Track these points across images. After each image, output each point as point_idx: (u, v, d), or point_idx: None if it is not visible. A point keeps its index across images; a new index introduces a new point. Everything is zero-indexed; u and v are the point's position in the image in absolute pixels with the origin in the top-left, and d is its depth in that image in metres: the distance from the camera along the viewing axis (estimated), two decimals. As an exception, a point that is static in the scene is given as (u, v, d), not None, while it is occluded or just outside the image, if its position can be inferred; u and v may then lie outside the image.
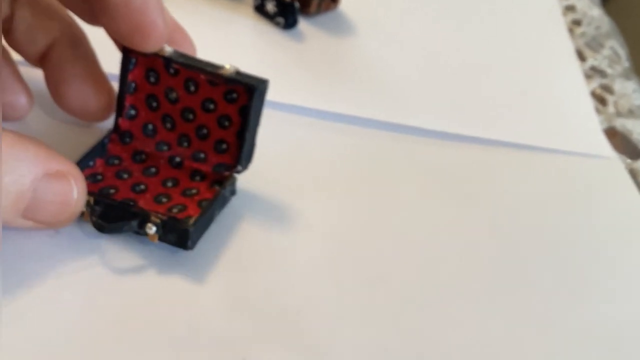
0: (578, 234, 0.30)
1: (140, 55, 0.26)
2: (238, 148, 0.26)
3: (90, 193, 0.24)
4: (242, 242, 0.26)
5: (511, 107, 0.37)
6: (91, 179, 0.26)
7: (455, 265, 0.28)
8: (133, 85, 0.27)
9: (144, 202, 0.25)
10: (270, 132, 0.29)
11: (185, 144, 0.27)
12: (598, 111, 0.39)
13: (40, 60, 0.28)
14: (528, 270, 0.28)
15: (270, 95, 0.26)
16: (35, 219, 0.23)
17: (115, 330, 0.22)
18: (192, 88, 0.26)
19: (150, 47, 0.25)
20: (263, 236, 0.27)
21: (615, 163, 0.35)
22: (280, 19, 0.39)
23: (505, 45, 0.43)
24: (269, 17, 0.39)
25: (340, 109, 0.34)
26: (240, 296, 0.24)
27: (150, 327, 0.23)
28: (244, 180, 0.28)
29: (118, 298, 0.23)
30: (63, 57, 0.27)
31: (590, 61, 0.44)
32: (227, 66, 0.26)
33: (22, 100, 0.28)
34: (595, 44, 0.46)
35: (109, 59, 0.28)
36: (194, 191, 0.26)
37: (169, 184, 0.27)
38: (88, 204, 0.24)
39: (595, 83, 0.42)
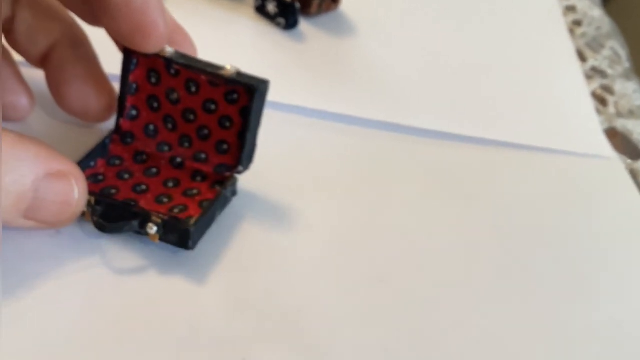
0: (578, 234, 0.30)
1: (141, 56, 0.26)
2: (239, 148, 0.26)
3: (91, 193, 0.24)
4: (243, 243, 0.26)
5: (512, 107, 0.38)
6: (92, 179, 0.26)
7: (456, 266, 0.28)
8: (134, 86, 0.27)
9: (145, 202, 0.25)
10: (271, 132, 0.29)
11: (187, 144, 0.27)
12: (598, 112, 0.39)
13: (42, 61, 0.28)
14: (528, 270, 0.28)
15: (271, 95, 0.26)
16: (36, 219, 0.23)
17: (116, 330, 0.23)
18: (193, 89, 0.26)
19: (151, 47, 0.25)
20: (264, 236, 0.27)
21: (616, 163, 0.35)
22: (281, 20, 0.39)
23: (505, 45, 0.43)
24: (270, 17, 0.39)
25: (341, 109, 0.34)
26: (240, 296, 0.24)
27: (150, 327, 0.23)
28: (245, 180, 0.28)
29: (119, 298, 0.23)
30: (64, 58, 0.28)
31: (591, 62, 0.44)
32: (228, 67, 0.26)
33: (23, 101, 0.28)
34: (595, 45, 0.46)
35: (110, 59, 0.28)
36: (195, 191, 0.26)
37: (170, 184, 0.27)
38: (89, 203, 0.24)
39: (596, 83, 0.42)
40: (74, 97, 0.28)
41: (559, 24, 0.46)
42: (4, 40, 0.28)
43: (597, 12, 0.50)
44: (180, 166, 0.27)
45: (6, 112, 0.28)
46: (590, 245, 0.30)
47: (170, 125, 0.27)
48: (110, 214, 0.24)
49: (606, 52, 0.45)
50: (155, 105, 0.27)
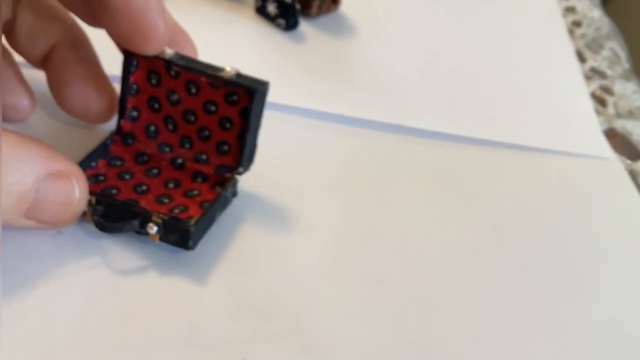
0: (578, 234, 0.31)
1: (141, 57, 0.26)
2: (239, 150, 0.27)
3: (92, 193, 0.24)
4: (243, 243, 0.26)
5: (511, 108, 0.38)
6: (93, 179, 0.26)
7: (456, 266, 0.28)
8: (135, 87, 0.27)
9: (145, 203, 0.25)
10: (272, 133, 0.29)
11: (187, 145, 0.27)
12: (598, 112, 0.39)
13: (43, 62, 0.28)
14: (528, 270, 0.28)
15: (271, 96, 0.26)
16: (37, 219, 0.23)
17: (116, 329, 0.23)
18: (193, 90, 0.26)
19: (150, 49, 0.25)
20: (264, 237, 0.27)
21: (615, 164, 0.35)
22: (281, 21, 0.39)
23: (505, 46, 0.43)
24: (270, 18, 0.39)
25: (341, 110, 0.34)
26: (241, 296, 0.24)
27: (151, 327, 0.23)
28: (246, 181, 0.28)
29: (119, 298, 0.23)
30: (65, 59, 0.28)
31: (590, 62, 0.44)
32: (228, 68, 0.26)
33: (24, 102, 0.28)
34: (595, 45, 0.46)
35: (111, 60, 0.28)
36: (195, 192, 0.26)
37: (171, 185, 0.27)
38: (90, 203, 0.24)
39: (595, 84, 0.42)
40: (75, 98, 0.28)
41: (559, 25, 0.46)
42: (4, 41, 0.28)
43: (597, 13, 0.50)
44: (181, 167, 0.27)
45: (7, 113, 0.28)
46: (590, 245, 0.30)
47: (170, 126, 0.27)
48: (111, 213, 0.25)
49: (605, 53, 0.45)
50: (156, 106, 0.27)
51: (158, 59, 0.26)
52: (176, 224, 0.24)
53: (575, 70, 0.42)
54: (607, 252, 0.30)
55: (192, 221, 0.24)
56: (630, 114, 0.40)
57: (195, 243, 0.25)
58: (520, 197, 0.32)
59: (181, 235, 0.24)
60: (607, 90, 0.42)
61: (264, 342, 0.23)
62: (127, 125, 0.27)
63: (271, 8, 0.39)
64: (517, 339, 0.25)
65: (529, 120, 0.37)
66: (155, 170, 0.27)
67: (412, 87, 0.37)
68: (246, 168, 0.27)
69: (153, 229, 0.24)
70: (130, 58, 0.26)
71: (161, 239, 0.25)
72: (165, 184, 0.27)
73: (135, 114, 0.27)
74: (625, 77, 0.43)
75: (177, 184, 0.27)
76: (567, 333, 0.26)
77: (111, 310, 0.23)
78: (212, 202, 0.26)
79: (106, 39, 0.27)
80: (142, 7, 0.24)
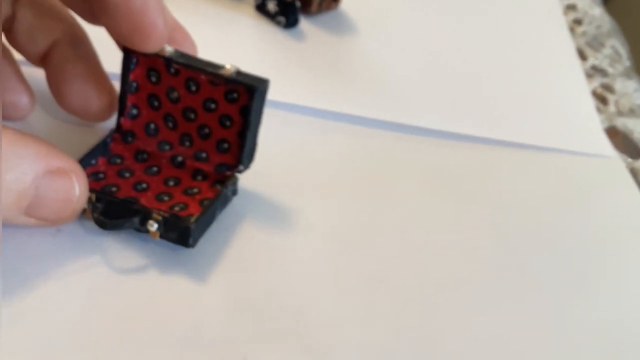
0: (578, 232, 0.30)
1: (141, 55, 0.26)
2: (239, 148, 0.27)
3: (92, 190, 0.24)
4: (243, 242, 0.26)
5: (512, 106, 0.38)
6: (93, 177, 0.26)
7: (456, 265, 0.28)
8: (134, 84, 0.27)
9: (145, 201, 0.25)
10: (272, 131, 0.29)
11: (187, 143, 0.27)
12: (599, 110, 0.39)
13: (42, 60, 0.28)
14: (528, 269, 0.28)
15: (272, 94, 0.26)
16: (37, 217, 0.23)
17: (116, 328, 0.23)
18: (193, 88, 0.26)
19: (150, 47, 0.25)
20: (264, 236, 0.27)
21: (616, 162, 0.35)
22: (281, 19, 0.39)
23: (506, 44, 0.43)
24: (270, 16, 0.39)
25: (342, 108, 0.34)
26: (241, 296, 0.24)
27: (151, 326, 0.23)
28: (246, 179, 0.28)
29: (119, 297, 0.23)
30: (64, 57, 0.28)
31: (591, 60, 0.44)
32: (228, 66, 0.26)
33: (24, 100, 0.28)
34: (596, 43, 0.46)
35: (111, 58, 0.28)
36: (195, 190, 0.26)
37: (171, 183, 0.27)
38: (90, 201, 0.24)
39: (596, 82, 0.42)
40: (75, 96, 0.28)
41: (560, 23, 0.46)
42: (4, 39, 0.28)
43: (598, 11, 0.50)
44: (181, 165, 0.27)
45: (7, 111, 0.28)
46: (591, 244, 0.30)
47: (170, 124, 0.27)
48: (111, 211, 0.24)
49: (606, 51, 0.45)
50: (156, 104, 0.27)
51: (158, 56, 0.26)
52: (176, 221, 0.24)
53: (576, 68, 0.42)
54: (608, 251, 0.30)
55: (193, 219, 0.24)
56: (632, 112, 0.40)
57: (196, 241, 0.25)
58: (521, 196, 0.32)
59: (181, 232, 0.24)
60: (608, 88, 0.41)
61: (263, 342, 0.23)
62: (126, 123, 0.27)
63: (271, 6, 0.39)
64: (517, 337, 0.25)
65: (530, 118, 0.37)
66: (155, 168, 0.27)
67: (412, 85, 0.37)
68: (246, 166, 0.27)
69: (153, 226, 0.24)
70: (129, 56, 0.26)
71: (161, 237, 0.25)
72: (165, 182, 0.27)
73: (135, 111, 0.27)
74: (626, 75, 0.43)
75: (177, 182, 0.27)
76: (566, 331, 0.26)
77: (111, 308, 0.23)
78: (213, 200, 0.26)
79: (106, 37, 0.26)
80: (141, 5, 0.24)
